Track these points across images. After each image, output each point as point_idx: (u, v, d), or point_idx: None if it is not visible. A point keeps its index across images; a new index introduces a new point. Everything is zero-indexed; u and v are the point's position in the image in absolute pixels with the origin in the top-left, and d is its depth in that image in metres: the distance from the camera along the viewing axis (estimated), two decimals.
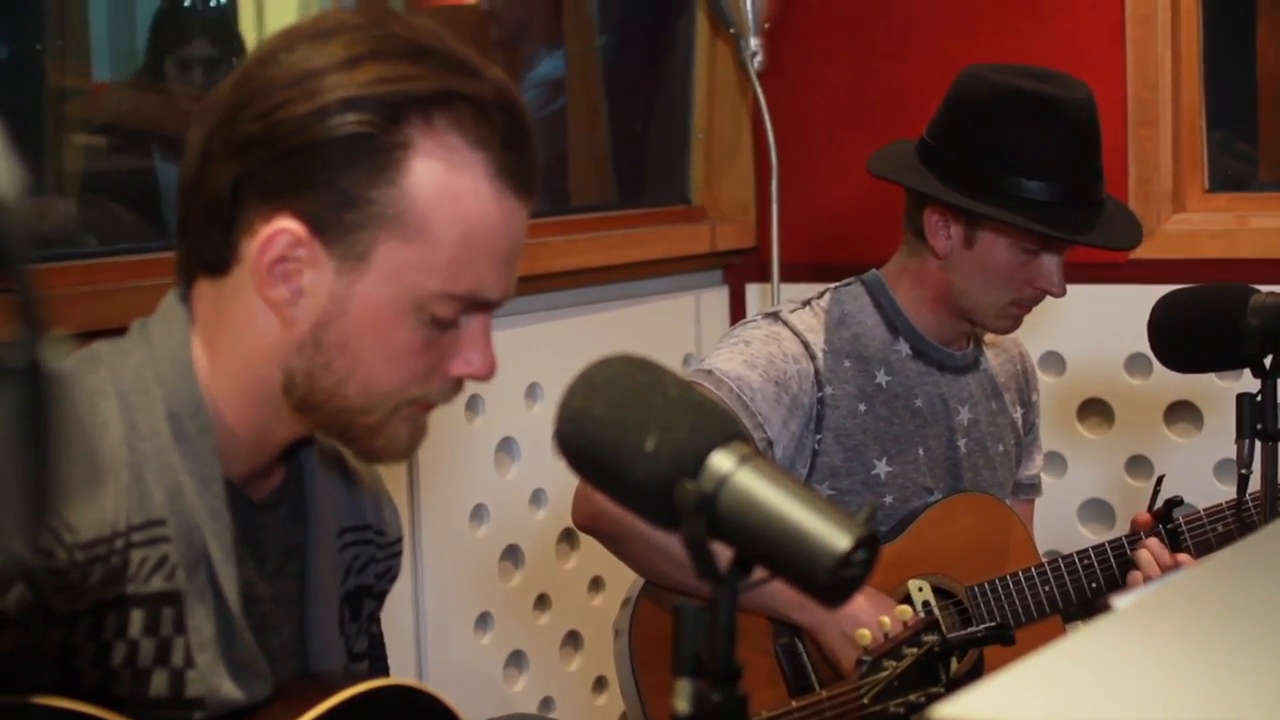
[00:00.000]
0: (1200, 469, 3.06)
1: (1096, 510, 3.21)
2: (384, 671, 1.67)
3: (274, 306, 1.38)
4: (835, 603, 1.11)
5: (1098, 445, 3.20)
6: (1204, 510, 2.38)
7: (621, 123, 3.57)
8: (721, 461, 1.12)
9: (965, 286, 2.32)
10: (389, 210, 1.35)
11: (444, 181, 1.36)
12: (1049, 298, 2.33)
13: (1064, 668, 0.96)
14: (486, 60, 1.42)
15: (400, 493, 2.71)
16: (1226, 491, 2.70)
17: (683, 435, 1.13)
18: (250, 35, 2.65)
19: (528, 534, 3.00)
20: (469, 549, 2.88)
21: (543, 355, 2.95)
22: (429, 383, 1.42)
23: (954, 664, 2.26)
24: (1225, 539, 2.36)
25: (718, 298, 3.51)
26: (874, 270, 2.42)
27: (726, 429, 1.15)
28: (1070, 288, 2.35)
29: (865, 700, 1.79)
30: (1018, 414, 2.54)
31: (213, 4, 2.89)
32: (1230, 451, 2.01)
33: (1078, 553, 2.36)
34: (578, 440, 1.17)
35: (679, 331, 3.38)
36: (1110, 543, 2.37)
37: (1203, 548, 2.36)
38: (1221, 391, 3.03)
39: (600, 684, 3.15)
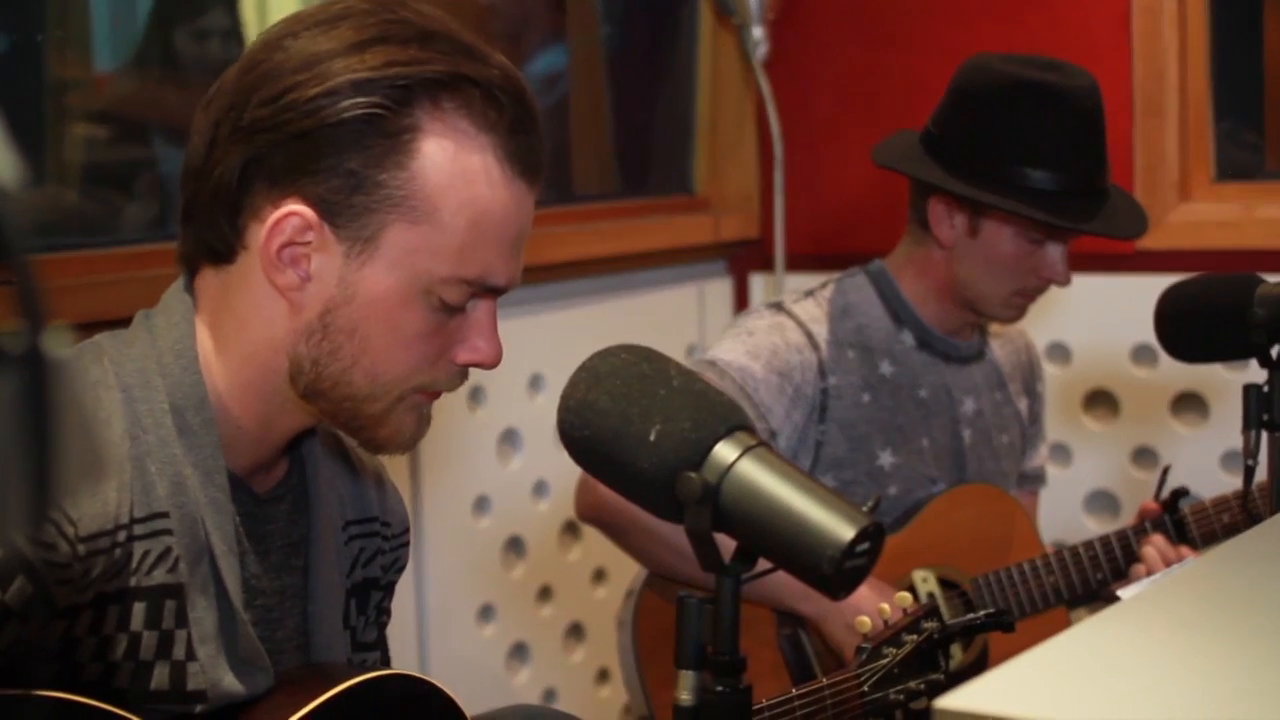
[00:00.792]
0: (1206, 460, 3.05)
1: (1102, 501, 3.21)
2: (385, 662, 1.66)
3: (281, 292, 1.38)
4: (839, 594, 1.11)
5: (1103, 436, 3.19)
6: (1210, 501, 2.38)
7: (625, 113, 3.57)
8: (725, 452, 1.12)
9: (970, 276, 2.32)
10: (398, 193, 1.35)
11: (453, 164, 1.36)
12: (1054, 287, 2.33)
13: (1068, 660, 0.96)
14: (492, 47, 1.41)
15: (403, 483, 2.70)
16: (1233, 483, 2.70)
17: (686, 426, 1.13)
18: (251, 16, 2.64)
19: (531, 525, 3.00)
20: (472, 540, 2.88)
21: (546, 346, 2.95)
22: (435, 369, 1.41)
23: (958, 654, 2.26)
24: (1231, 530, 2.35)
25: (721, 288, 3.51)
26: (878, 260, 2.41)
27: (730, 420, 1.14)
28: (1076, 277, 2.34)
29: (865, 688, 1.78)
30: (1023, 404, 2.53)
31: None
32: (1236, 443, 2.01)
33: (1083, 544, 2.35)
34: (581, 431, 1.17)
35: (682, 322, 3.38)
36: (1115, 534, 2.36)
37: (1208, 539, 2.36)
38: (1228, 382, 3.01)
39: (603, 676, 3.15)
